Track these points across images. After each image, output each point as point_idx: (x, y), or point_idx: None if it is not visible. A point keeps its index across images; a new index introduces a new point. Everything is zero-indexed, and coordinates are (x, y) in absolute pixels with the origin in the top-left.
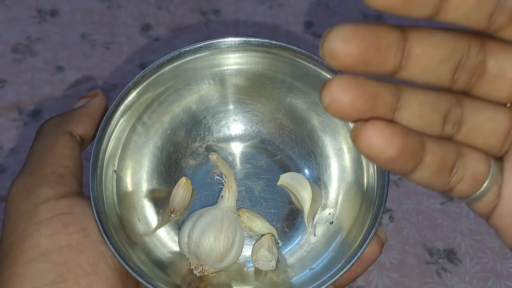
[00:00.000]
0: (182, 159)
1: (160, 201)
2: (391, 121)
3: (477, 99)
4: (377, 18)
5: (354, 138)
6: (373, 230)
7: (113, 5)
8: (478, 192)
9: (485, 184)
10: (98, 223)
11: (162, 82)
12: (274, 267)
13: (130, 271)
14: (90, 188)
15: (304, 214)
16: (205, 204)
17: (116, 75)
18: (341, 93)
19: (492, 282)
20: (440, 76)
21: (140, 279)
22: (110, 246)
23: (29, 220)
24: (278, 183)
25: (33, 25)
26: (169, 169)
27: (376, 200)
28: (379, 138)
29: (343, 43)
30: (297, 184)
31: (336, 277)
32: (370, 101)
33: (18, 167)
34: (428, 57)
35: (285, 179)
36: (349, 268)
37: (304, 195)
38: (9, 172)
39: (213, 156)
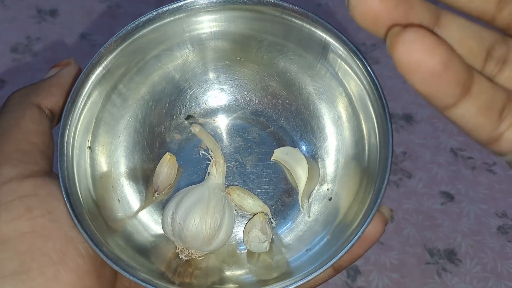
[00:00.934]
0: (166, 133)
1: (143, 180)
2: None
3: None
4: None
5: (391, 44)
6: (375, 207)
7: (113, 5)
8: None
9: None
10: (68, 205)
11: (138, 47)
12: (268, 248)
13: (104, 258)
14: (59, 167)
15: (298, 193)
16: (192, 182)
17: None
18: None
19: (492, 283)
20: None
21: (115, 267)
22: (81, 230)
23: None
24: (271, 159)
25: (32, 25)
26: (152, 144)
27: (378, 173)
28: (421, 44)
29: None
30: (292, 160)
31: (335, 258)
32: (404, 6)
33: None
34: None
35: (280, 154)
36: (349, 249)
37: (300, 173)
38: None
39: (195, 128)
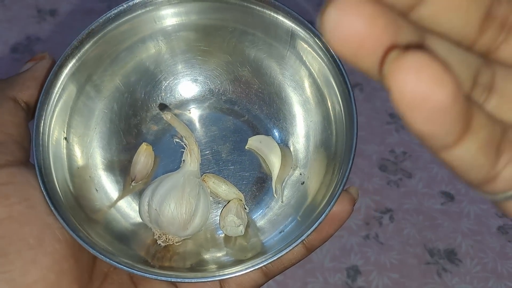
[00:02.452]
0: (142, 124)
1: (120, 170)
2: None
3: (506, 65)
4: None
5: (389, 72)
6: (340, 187)
7: (113, 5)
8: None
9: None
10: (44, 192)
11: (111, 39)
12: (243, 232)
13: (81, 242)
14: (34, 156)
15: (272, 179)
16: (170, 171)
17: None
18: (352, 13)
19: (492, 283)
20: (468, 19)
21: (92, 251)
22: (58, 216)
23: None
24: (246, 147)
25: (32, 25)
26: (128, 135)
27: (344, 155)
28: (429, 71)
29: None
30: (265, 148)
31: (303, 236)
32: (393, 27)
33: None
34: None
35: (254, 142)
36: (316, 227)
37: (273, 160)
38: None
39: (167, 116)
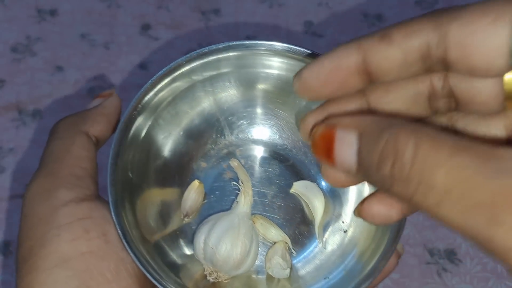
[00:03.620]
0: (193, 161)
1: (171, 204)
2: None
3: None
4: (377, 18)
5: (358, 212)
6: (394, 245)
7: (113, 5)
8: None
9: None
10: (118, 228)
11: (179, 80)
12: (288, 275)
13: (152, 279)
14: (110, 193)
15: (315, 224)
16: (216, 208)
17: (116, 75)
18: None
19: (492, 283)
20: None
21: (160, 286)
22: (132, 255)
23: (49, 224)
24: (290, 191)
25: (32, 25)
26: (180, 171)
27: None
28: (381, 206)
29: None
30: (310, 193)
31: None
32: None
33: (18, 167)
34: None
35: (298, 187)
36: (368, 284)
37: (317, 205)
38: (8, 172)
39: (234, 163)
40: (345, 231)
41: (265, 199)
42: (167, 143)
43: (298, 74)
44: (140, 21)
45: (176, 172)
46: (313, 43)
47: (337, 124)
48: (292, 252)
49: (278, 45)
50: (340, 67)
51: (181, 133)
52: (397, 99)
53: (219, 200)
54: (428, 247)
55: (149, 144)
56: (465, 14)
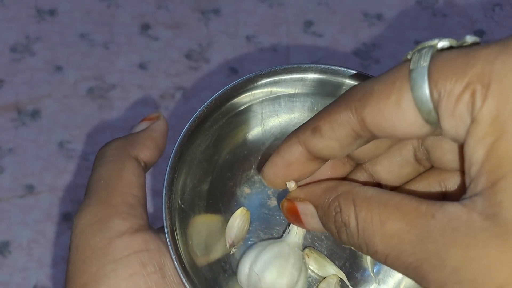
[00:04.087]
0: (237, 186)
1: (215, 232)
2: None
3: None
4: (377, 18)
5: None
6: None
7: (112, 5)
8: None
9: None
10: (177, 264)
11: (234, 105)
12: None
13: None
14: (166, 224)
15: (367, 257)
16: (261, 237)
17: (115, 75)
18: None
19: None
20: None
21: None
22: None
23: (104, 258)
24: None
25: (32, 24)
26: (224, 197)
27: None
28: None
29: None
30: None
31: None
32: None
33: (17, 167)
34: None
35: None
36: None
37: None
38: (8, 172)
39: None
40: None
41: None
42: (215, 167)
43: (261, 172)
44: (140, 21)
45: (220, 198)
46: (313, 43)
47: (295, 198)
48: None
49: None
50: (291, 162)
51: (228, 156)
52: (386, 167)
53: (264, 229)
54: None
55: (200, 168)
56: (372, 99)
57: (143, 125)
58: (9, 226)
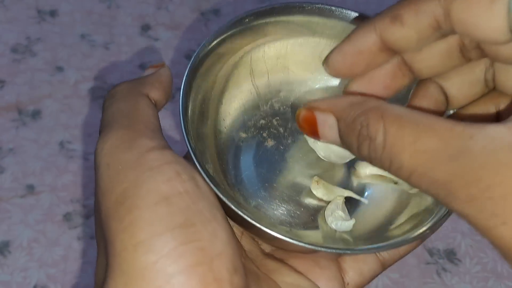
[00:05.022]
0: (233, 132)
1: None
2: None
3: None
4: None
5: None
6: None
7: (113, 5)
8: None
9: None
10: (205, 175)
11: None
12: (351, 227)
13: (247, 218)
14: (187, 141)
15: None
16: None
17: (116, 75)
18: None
19: (492, 282)
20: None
21: (256, 223)
22: (221, 195)
23: (140, 167)
24: (353, 174)
25: (32, 25)
26: (223, 142)
27: None
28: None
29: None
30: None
31: (427, 227)
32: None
33: (17, 167)
34: None
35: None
36: (439, 223)
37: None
38: (8, 172)
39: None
40: (396, 183)
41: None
42: (212, 112)
43: (325, 60)
44: (140, 22)
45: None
46: None
47: (316, 108)
48: (361, 200)
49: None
50: (362, 51)
51: (223, 100)
52: (430, 56)
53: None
54: (427, 247)
55: (204, 110)
56: None
57: (150, 71)
58: (9, 226)
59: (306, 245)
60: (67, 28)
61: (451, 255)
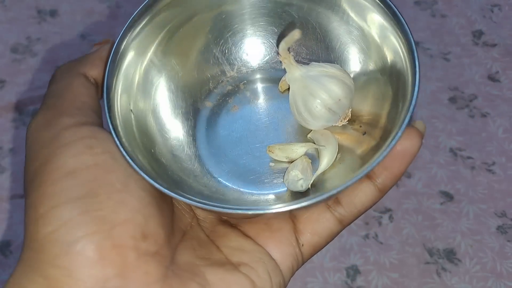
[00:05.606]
0: (198, 102)
1: (181, 146)
2: None
3: None
4: None
5: None
6: (406, 118)
7: (113, 5)
8: None
9: None
10: (120, 146)
11: (172, 12)
12: (304, 187)
13: (163, 189)
14: (109, 121)
15: (317, 170)
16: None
17: None
18: None
19: (492, 282)
20: None
21: (172, 194)
22: (136, 168)
23: (52, 145)
24: (308, 136)
25: (32, 25)
26: (187, 113)
27: (408, 82)
28: None
29: None
30: (323, 142)
31: (373, 165)
32: None
33: (18, 167)
34: None
35: (314, 135)
36: (383, 158)
37: (325, 158)
38: (9, 172)
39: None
40: (364, 133)
41: (277, 126)
42: (166, 83)
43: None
44: None
45: (182, 113)
46: None
47: None
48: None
49: None
50: None
51: (180, 73)
52: None
53: (229, 135)
54: (427, 247)
55: (147, 83)
56: None
57: (94, 48)
58: (10, 226)
59: (223, 210)
60: (67, 28)
61: (451, 255)
